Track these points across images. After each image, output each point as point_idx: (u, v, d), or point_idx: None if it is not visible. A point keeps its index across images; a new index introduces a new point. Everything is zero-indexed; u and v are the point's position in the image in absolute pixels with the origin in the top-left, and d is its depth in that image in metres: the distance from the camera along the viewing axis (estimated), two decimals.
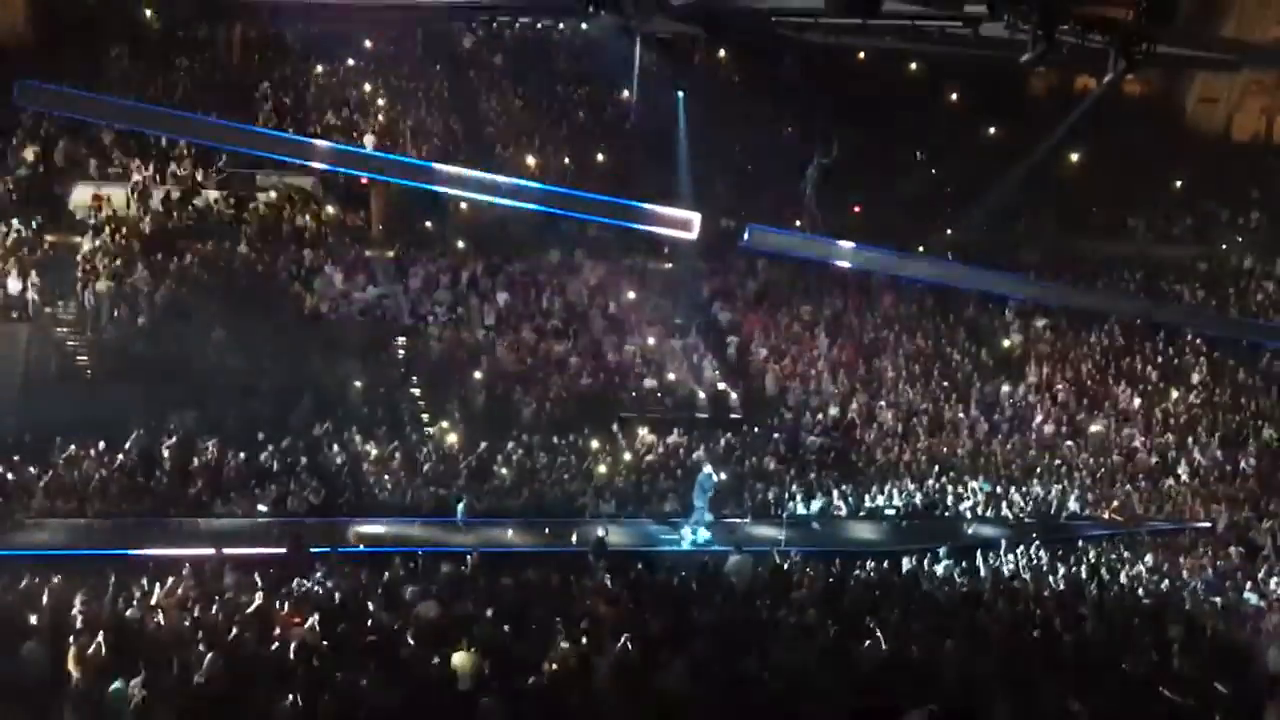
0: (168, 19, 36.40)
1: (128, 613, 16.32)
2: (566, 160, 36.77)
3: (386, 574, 19.11)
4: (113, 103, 27.57)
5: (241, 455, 25.26)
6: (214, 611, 16.56)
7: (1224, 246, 40.39)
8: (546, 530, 24.70)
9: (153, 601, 16.75)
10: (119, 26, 35.43)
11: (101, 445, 24.67)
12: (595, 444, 28.06)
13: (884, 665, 16.29)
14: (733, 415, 30.83)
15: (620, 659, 15.35)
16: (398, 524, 24.34)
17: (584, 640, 15.97)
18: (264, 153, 30.82)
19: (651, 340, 32.12)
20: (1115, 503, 29.24)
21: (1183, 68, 43.60)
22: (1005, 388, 32.94)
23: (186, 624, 15.99)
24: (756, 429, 30.04)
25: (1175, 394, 33.45)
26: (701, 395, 31.07)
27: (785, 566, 21.97)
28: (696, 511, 25.43)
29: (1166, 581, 23.99)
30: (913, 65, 43.96)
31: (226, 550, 19.72)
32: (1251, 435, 32.16)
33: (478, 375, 29.61)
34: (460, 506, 24.91)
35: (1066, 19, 20.22)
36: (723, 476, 26.41)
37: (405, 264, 32.91)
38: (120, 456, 24.54)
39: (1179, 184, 42.40)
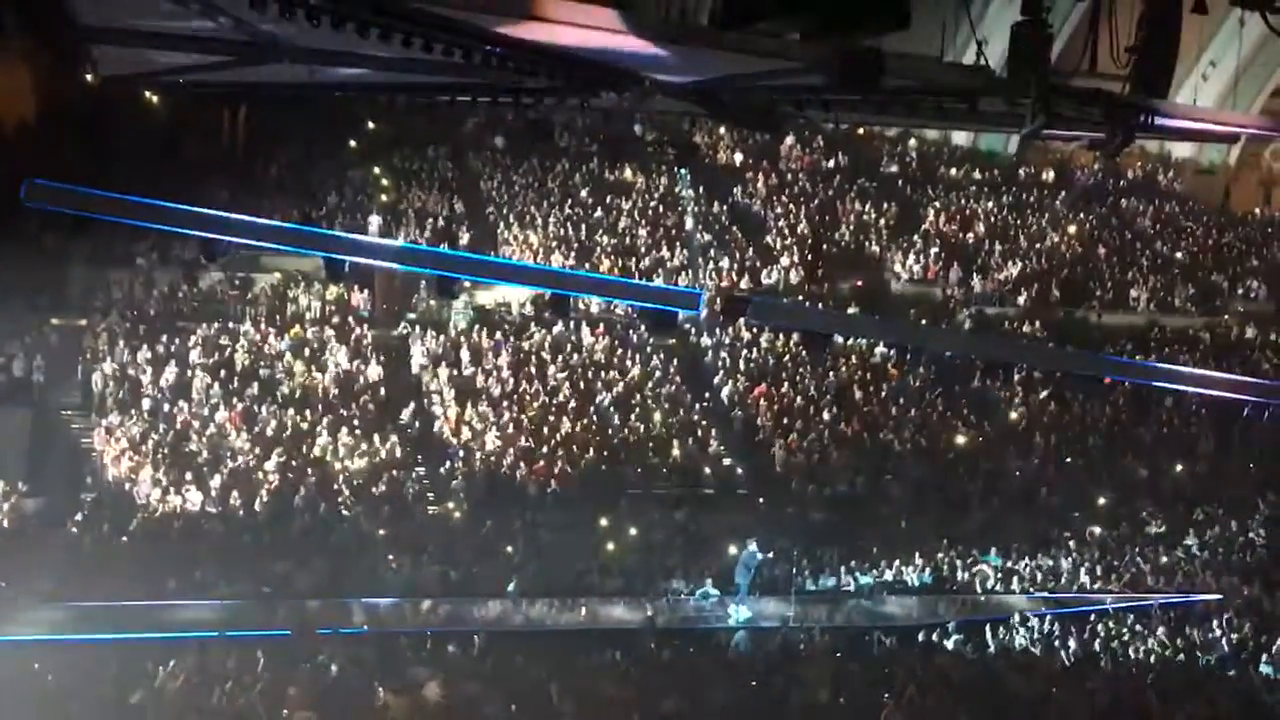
0: (172, 104, 36.77)
1: (132, 699, 16.16)
2: (570, 238, 36.98)
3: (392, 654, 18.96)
4: (119, 199, 27.75)
5: (247, 536, 25.17)
6: (218, 694, 16.40)
7: (1226, 317, 40.46)
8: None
9: (156, 684, 16.59)
10: (125, 113, 35.78)
11: (105, 527, 24.59)
12: (603, 521, 27.94)
13: None
14: (739, 490, 30.68)
15: None
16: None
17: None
18: (272, 245, 31.12)
19: (657, 415, 32.07)
20: (1125, 575, 29.00)
21: (1179, 140, 44.05)
22: (1011, 461, 32.80)
23: (191, 708, 15.83)
24: (763, 502, 29.91)
25: (1182, 465, 33.29)
26: (708, 470, 30.96)
27: (798, 643, 21.78)
28: (741, 589, 25.33)
29: (1181, 655, 23.72)
30: (912, 142, 44.47)
31: (231, 632, 19.58)
32: (1261, 505, 31.95)
33: (481, 453, 29.56)
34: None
35: (1065, 93, 20.42)
36: (766, 555, 26.25)
37: (409, 340, 33.02)
38: (124, 539, 24.45)
39: (1179, 255, 42.60)
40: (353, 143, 37.99)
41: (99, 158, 33.95)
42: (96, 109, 34.10)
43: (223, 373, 30.05)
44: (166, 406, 28.94)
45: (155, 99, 31.63)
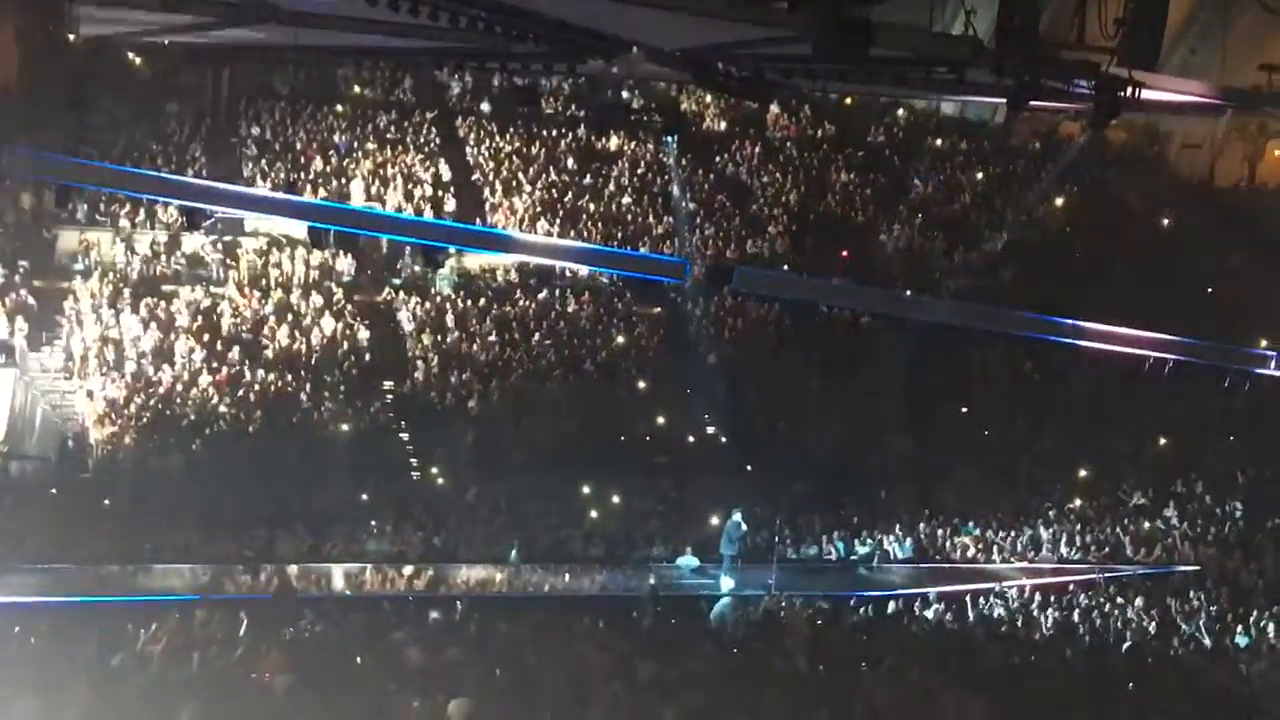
0: (155, 66, 36.46)
1: (114, 661, 16.16)
2: (556, 205, 36.86)
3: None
4: (101, 168, 27.63)
5: (230, 499, 25.17)
6: (199, 658, 16.41)
7: (1209, 290, 40.53)
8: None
9: (138, 648, 16.59)
10: (109, 74, 35.45)
11: (87, 490, 24.55)
12: (585, 488, 28.01)
13: (877, 713, 16.18)
14: (723, 459, 30.74)
15: (610, 706, 15.23)
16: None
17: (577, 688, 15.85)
18: (254, 212, 31.02)
19: (641, 383, 32.10)
20: (1105, 546, 29.19)
21: (1165, 113, 44.01)
22: (992, 432, 32.92)
23: (172, 672, 15.83)
24: (748, 472, 29.99)
25: (1162, 438, 33.46)
26: (691, 438, 31.01)
27: (779, 612, 21.89)
28: (727, 559, 25.41)
29: (1159, 625, 23.91)
30: (900, 112, 44.33)
31: (213, 595, 19.58)
32: (1240, 476, 32.15)
33: (467, 418, 29.58)
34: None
35: (1052, 64, 20.37)
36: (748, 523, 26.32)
37: (393, 305, 32.93)
38: (107, 501, 24.42)
39: (1163, 229, 42.63)
40: (339, 107, 37.72)
41: (81, 120, 33.71)
42: (78, 71, 33.77)
43: (206, 336, 29.94)
44: (150, 370, 28.84)
45: (138, 61, 31.38)
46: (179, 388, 28.51)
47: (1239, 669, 21.02)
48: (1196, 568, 28.05)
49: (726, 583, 25.07)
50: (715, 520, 26.99)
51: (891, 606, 23.25)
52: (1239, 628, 23.92)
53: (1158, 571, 28.01)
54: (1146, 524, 30.05)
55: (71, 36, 22.80)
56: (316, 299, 31.85)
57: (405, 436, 29.43)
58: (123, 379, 28.46)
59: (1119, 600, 25.19)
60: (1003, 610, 24.19)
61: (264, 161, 34.99)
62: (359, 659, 16.96)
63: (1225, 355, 33.53)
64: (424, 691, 15.39)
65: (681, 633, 20.20)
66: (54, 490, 24.60)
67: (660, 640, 19.55)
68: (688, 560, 26.08)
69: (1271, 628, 23.64)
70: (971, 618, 23.39)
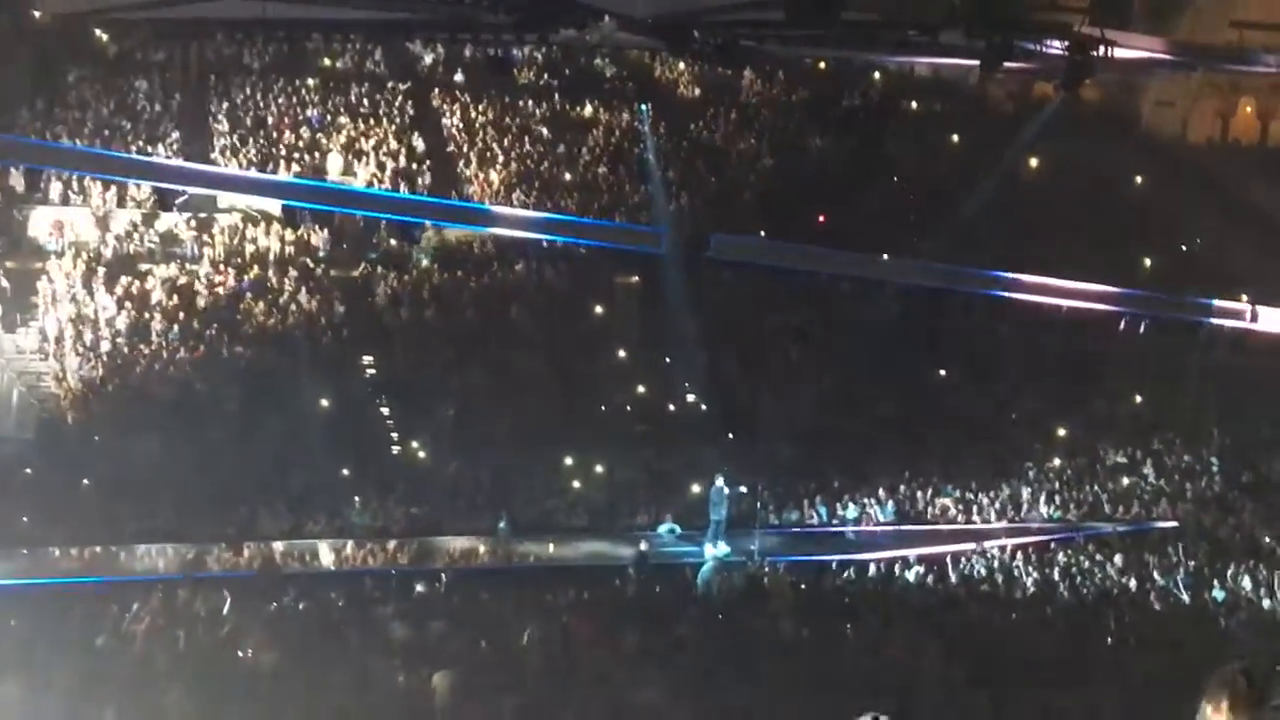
0: (124, 43, 36.12)
1: (97, 641, 16.14)
2: (531, 176, 36.71)
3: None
4: (70, 150, 27.46)
5: (210, 477, 25.09)
6: (184, 637, 16.40)
7: (1182, 248, 40.70)
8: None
9: (122, 628, 16.57)
10: (75, 51, 35.13)
11: (66, 470, 24.43)
12: (569, 459, 28.04)
13: (862, 672, 16.30)
14: (704, 426, 30.77)
15: (596, 675, 15.31)
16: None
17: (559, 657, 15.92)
18: (228, 191, 30.81)
19: (621, 353, 32.08)
20: (1084, 504, 29.39)
21: (1138, 71, 44.06)
22: (974, 392, 33.05)
23: (156, 650, 15.82)
24: (729, 439, 30.05)
25: (1139, 396, 33.65)
26: (672, 407, 31.04)
27: (762, 577, 22.00)
28: (713, 525, 25.45)
29: (1135, 582, 24.10)
30: (875, 75, 44.20)
31: (196, 574, 19.55)
32: (1216, 433, 32.39)
33: (447, 391, 29.54)
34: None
35: (1024, 25, 20.44)
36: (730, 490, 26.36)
37: (370, 280, 32.78)
38: (85, 482, 24.31)
39: (1136, 187, 42.73)
40: (310, 81, 37.41)
41: (47, 98, 33.42)
42: (44, 49, 33.52)
43: (182, 315, 29.76)
44: (125, 349, 28.67)
45: (105, 38, 31.17)
46: (156, 366, 28.36)
47: (1218, 623, 21.20)
48: (1175, 524, 28.27)
49: (713, 549, 25.10)
50: (697, 488, 27.07)
51: (873, 570, 23.36)
52: (1215, 582, 24.15)
53: (1136, 529, 28.23)
54: (1125, 481, 30.25)
55: (36, 14, 22.53)
56: (293, 275, 31.69)
57: (386, 411, 29.37)
58: (99, 358, 28.29)
59: (1098, 558, 25.38)
60: (983, 570, 24.34)
61: (236, 137, 34.70)
62: (343, 634, 17.01)
63: (1200, 310, 33.82)
64: (409, 665, 15.45)
65: (666, 600, 20.29)
66: (31, 472, 24.43)
67: (645, 608, 19.65)
68: (668, 528, 26.15)
69: (1248, 582, 23.87)
70: (953, 578, 23.53)
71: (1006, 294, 34.96)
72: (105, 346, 28.60)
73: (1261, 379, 35.31)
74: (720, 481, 26.07)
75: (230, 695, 14.56)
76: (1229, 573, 24.53)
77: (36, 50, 33.94)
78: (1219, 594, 23.59)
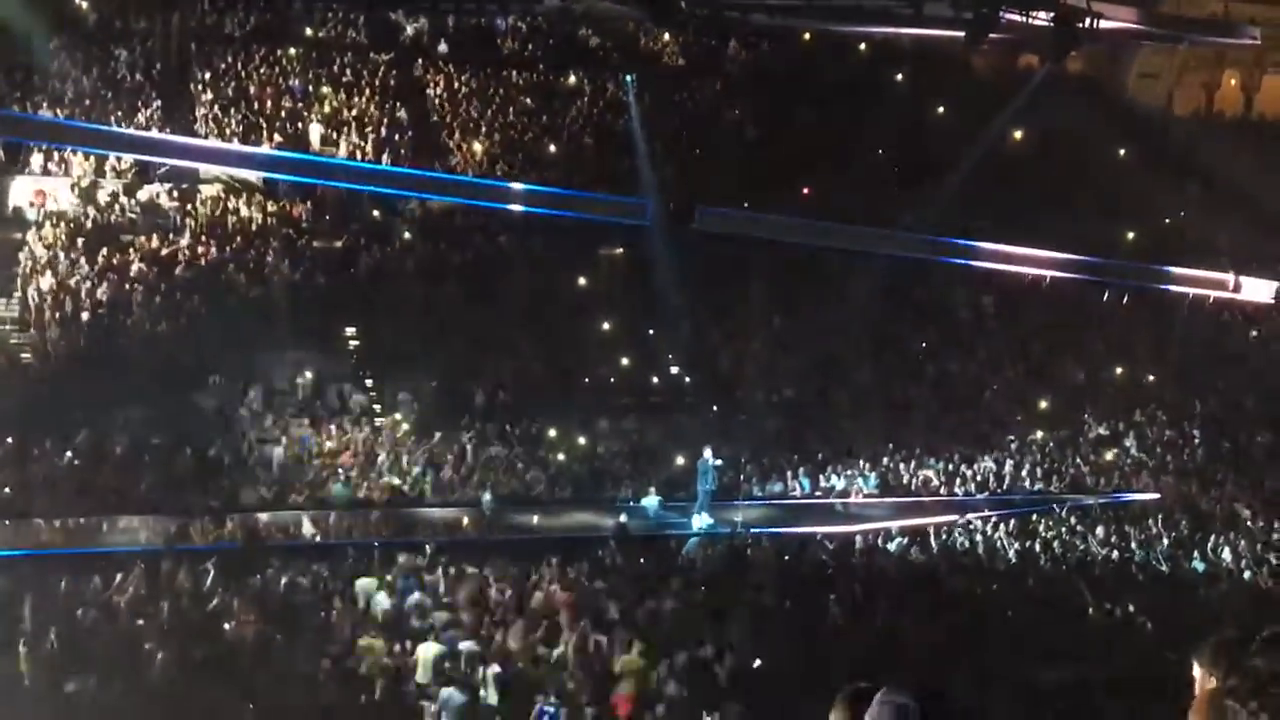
0: (103, 10, 35.80)
1: (79, 612, 16.12)
2: (515, 146, 36.54)
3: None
4: (53, 123, 27.25)
5: (189, 450, 25.04)
6: (167, 609, 16.38)
7: (1166, 220, 40.79)
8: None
9: (104, 600, 16.55)
10: (56, 18, 34.78)
11: (48, 443, 24.35)
12: (552, 431, 28.05)
13: (843, 643, 16.38)
14: (687, 399, 30.81)
15: (580, 645, 15.35)
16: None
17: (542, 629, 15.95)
18: (206, 163, 30.57)
19: (605, 324, 32.04)
20: (1066, 476, 29.51)
21: (1124, 43, 44.03)
22: (956, 364, 33.13)
23: (139, 622, 15.80)
24: (713, 411, 30.06)
25: (1122, 368, 33.78)
26: (656, 379, 31.04)
27: (745, 548, 22.05)
28: (701, 496, 25.47)
29: (1116, 553, 24.24)
30: (861, 46, 44.05)
31: (179, 546, 19.51)
32: (1197, 406, 32.53)
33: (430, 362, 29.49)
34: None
35: None
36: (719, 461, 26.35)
37: (352, 252, 32.63)
38: (69, 454, 24.23)
39: (1122, 159, 42.78)
40: (291, 50, 37.14)
41: (26, 67, 33.11)
42: (24, 15, 33.14)
43: (163, 285, 29.61)
44: (106, 320, 28.52)
45: (84, 4, 30.88)
46: (138, 338, 28.21)
47: (1198, 595, 21.34)
48: (1156, 496, 28.43)
49: (700, 520, 25.11)
50: (681, 460, 27.10)
51: (858, 541, 23.42)
52: (1196, 554, 24.30)
53: (1117, 500, 28.38)
54: (1108, 454, 30.38)
55: None
56: (275, 246, 31.53)
57: (369, 382, 29.30)
58: (80, 329, 28.13)
59: (1079, 529, 25.52)
60: (965, 541, 24.44)
61: (217, 107, 34.45)
62: (329, 605, 17.02)
63: (1184, 280, 33.91)
64: (392, 636, 15.48)
65: (650, 571, 20.33)
66: (12, 442, 24.31)
67: (629, 579, 19.69)
68: (651, 500, 26.17)
69: (1228, 553, 24.03)
70: (935, 549, 23.63)
71: (989, 265, 35.00)
72: (85, 317, 28.45)
73: (1243, 351, 35.53)
74: (708, 453, 26.09)
75: (215, 666, 14.57)
76: (1209, 544, 24.69)
77: (15, 19, 33.61)
78: (1199, 564, 23.75)
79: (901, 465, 28.97)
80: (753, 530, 23.66)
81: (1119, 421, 31.85)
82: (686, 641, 15.92)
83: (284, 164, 31.29)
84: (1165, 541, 25.04)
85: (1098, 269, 35.56)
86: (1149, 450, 30.71)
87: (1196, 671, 3.61)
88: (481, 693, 14.28)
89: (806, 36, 42.49)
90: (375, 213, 33.24)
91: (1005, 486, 28.92)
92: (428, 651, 14.84)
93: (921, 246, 33.95)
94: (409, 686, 14.71)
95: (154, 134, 31.42)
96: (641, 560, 21.10)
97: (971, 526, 25.27)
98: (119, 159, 32.13)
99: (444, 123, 36.91)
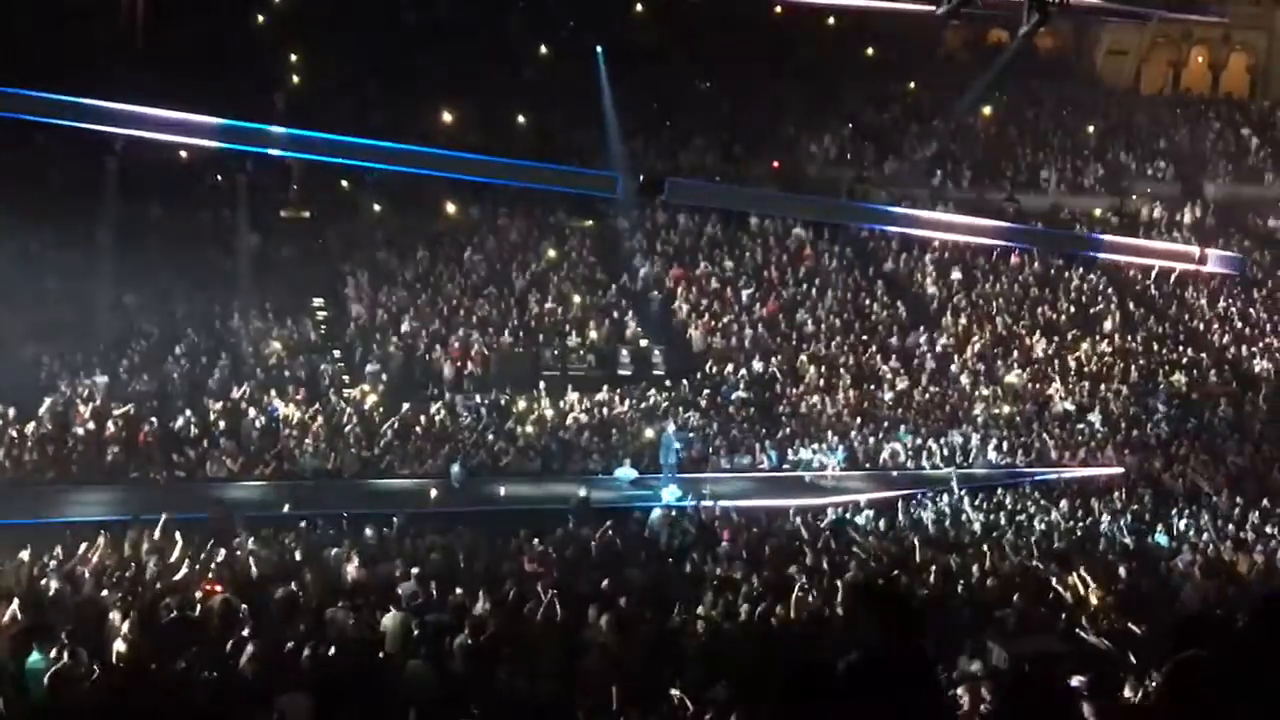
0: None
1: (43, 582, 16.03)
2: (484, 119, 36.36)
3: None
4: (17, 94, 26.66)
5: (155, 421, 24.92)
6: (132, 579, 16.32)
7: (1134, 197, 41.08)
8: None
9: (68, 570, 16.46)
10: None
11: (12, 412, 24.18)
12: (520, 403, 28.04)
13: (810, 618, 16.44)
14: (656, 372, 30.85)
15: (547, 616, 15.36)
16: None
17: (510, 599, 15.96)
18: (174, 137, 30.05)
19: (575, 298, 32.04)
20: (1032, 450, 29.71)
21: (1093, 20, 44.21)
22: (923, 339, 33.27)
23: (104, 593, 15.71)
24: (682, 384, 30.11)
25: (1087, 343, 34.01)
26: (624, 353, 31.07)
27: (714, 521, 22.11)
28: (666, 469, 25.48)
29: (1081, 527, 24.43)
30: (830, 20, 43.99)
31: (144, 516, 19.39)
32: (1163, 381, 32.80)
33: (396, 335, 29.42)
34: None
35: None
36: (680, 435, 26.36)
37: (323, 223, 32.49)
38: (33, 424, 24.07)
39: (1089, 136, 43.05)
40: (260, 18, 36.80)
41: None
42: None
43: (133, 256, 29.36)
44: (73, 290, 28.29)
45: None
46: (104, 308, 28.02)
47: (1159, 569, 21.52)
48: (1120, 470, 28.65)
49: (669, 493, 25.13)
50: (650, 433, 27.15)
51: (830, 514, 23.52)
52: (1159, 527, 24.53)
53: (1082, 474, 28.57)
54: (1070, 430, 30.59)
55: None
56: (243, 215, 31.31)
57: (336, 354, 29.20)
58: (47, 300, 27.90)
59: (1043, 503, 25.70)
60: (932, 514, 24.59)
61: (186, 78, 34.01)
62: (297, 575, 16.98)
63: (1149, 253, 34.06)
64: (360, 607, 15.45)
65: (618, 544, 20.36)
66: None
67: (596, 550, 19.74)
68: (625, 472, 26.19)
69: (1190, 527, 24.27)
70: (903, 522, 23.76)
71: (959, 237, 35.04)
72: (51, 285, 28.20)
73: (1208, 325, 35.84)
74: (670, 427, 26.14)
75: (177, 639, 14.50)
76: (1171, 518, 24.92)
77: None
78: (1162, 538, 23.96)
79: (870, 439, 29.07)
80: (720, 503, 23.68)
81: (1084, 395, 32.06)
82: (654, 613, 15.97)
83: (243, 134, 30.87)
84: (1128, 516, 25.24)
85: (1063, 241, 35.72)
86: (1113, 425, 30.92)
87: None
88: (450, 663, 14.29)
89: (778, 9, 42.44)
90: (344, 183, 33.03)
91: (971, 460, 29.07)
92: (394, 622, 14.83)
93: (886, 218, 33.95)
94: (377, 657, 14.70)
95: (119, 105, 30.97)
96: (609, 533, 21.10)
97: (938, 500, 25.40)
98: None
99: (414, 95, 36.65)
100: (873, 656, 3.53)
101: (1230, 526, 24.22)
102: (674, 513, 22.23)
